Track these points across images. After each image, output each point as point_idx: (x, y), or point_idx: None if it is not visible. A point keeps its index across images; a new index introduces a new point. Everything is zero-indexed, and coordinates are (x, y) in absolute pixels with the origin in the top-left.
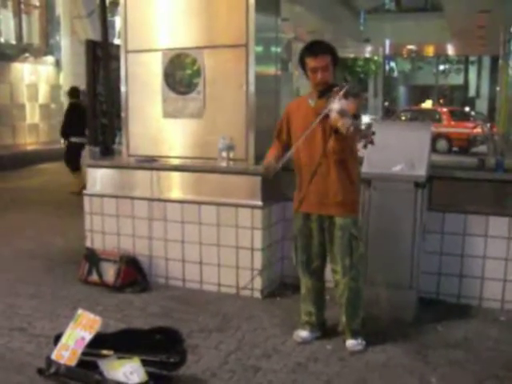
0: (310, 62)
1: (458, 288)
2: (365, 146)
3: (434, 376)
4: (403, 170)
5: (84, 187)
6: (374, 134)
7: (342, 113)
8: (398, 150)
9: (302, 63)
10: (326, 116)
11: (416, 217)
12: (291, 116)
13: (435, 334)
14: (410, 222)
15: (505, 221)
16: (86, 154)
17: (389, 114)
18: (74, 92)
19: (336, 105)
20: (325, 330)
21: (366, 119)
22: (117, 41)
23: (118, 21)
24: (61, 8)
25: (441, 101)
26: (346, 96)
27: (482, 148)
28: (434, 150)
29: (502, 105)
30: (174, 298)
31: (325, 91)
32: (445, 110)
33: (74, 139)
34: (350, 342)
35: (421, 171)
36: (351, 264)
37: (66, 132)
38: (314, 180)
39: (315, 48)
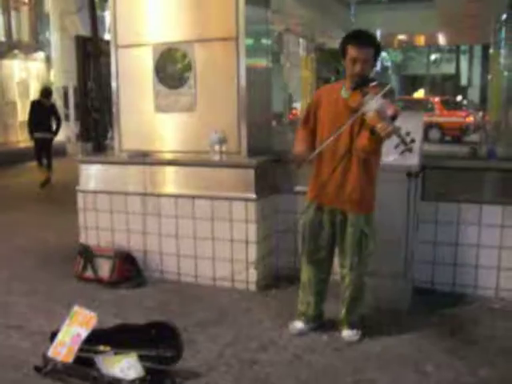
0: (352, 52)
1: (453, 277)
2: (402, 153)
3: (429, 364)
4: (396, 159)
5: (48, 181)
6: (413, 141)
7: (380, 113)
8: (389, 140)
9: (343, 49)
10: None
11: (409, 206)
12: (321, 101)
13: (430, 323)
14: (403, 211)
15: (498, 209)
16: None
17: None
18: (41, 91)
19: (375, 104)
20: (321, 322)
21: None
22: (107, 36)
23: (107, 16)
24: (50, 4)
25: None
26: (385, 95)
27: (475, 137)
28: (426, 139)
29: (493, 93)
30: (169, 293)
31: (359, 83)
32: (437, 99)
33: (37, 135)
34: (346, 333)
35: (413, 161)
36: (359, 261)
37: (29, 128)
38: (334, 173)
39: (360, 39)
